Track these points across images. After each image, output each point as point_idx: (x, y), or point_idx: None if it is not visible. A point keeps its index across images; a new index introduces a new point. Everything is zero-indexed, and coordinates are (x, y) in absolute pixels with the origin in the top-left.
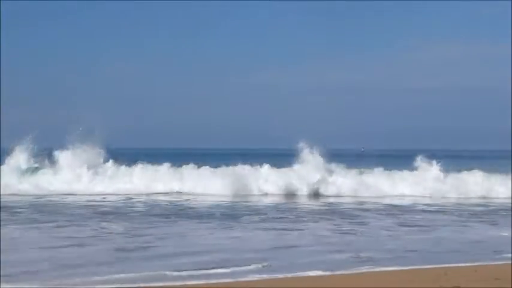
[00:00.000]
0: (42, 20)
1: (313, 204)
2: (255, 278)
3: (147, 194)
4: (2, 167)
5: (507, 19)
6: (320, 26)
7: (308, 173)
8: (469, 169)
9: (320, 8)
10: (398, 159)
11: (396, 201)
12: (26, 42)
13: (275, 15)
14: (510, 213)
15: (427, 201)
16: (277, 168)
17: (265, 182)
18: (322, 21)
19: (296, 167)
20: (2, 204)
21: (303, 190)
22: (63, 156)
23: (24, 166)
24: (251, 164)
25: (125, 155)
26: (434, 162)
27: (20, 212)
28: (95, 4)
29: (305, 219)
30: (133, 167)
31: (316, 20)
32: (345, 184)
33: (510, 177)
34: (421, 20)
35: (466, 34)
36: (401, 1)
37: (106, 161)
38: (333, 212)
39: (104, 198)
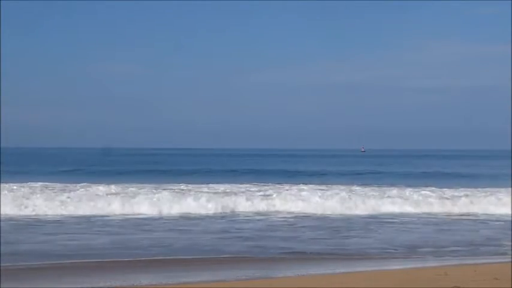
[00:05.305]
0: (41, 20)
1: None
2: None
3: None
4: None
5: (507, 19)
6: (320, 27)
7: None
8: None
9: (321, 8)
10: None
11: None
12: (25, 43)
13: (276, 15)
14: None
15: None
16: None
17: None
18: (322, 22)
19: None
20: None
21: None
22: None
23: None
24: None
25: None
26: None
27: None
28: (96, 4)
29: None
30: None
31: (317, 20)
32: None
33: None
34: (421, 20)
35: (466, 34)
36: (402, 2)
37: None
38: None
39: None
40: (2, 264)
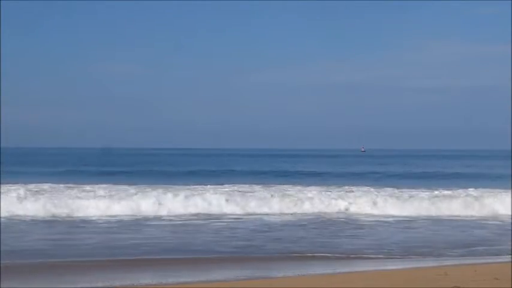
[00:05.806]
0: (41, 20)
1: None
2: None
3: None
4: None
5: (507, 19)
6: (320, 27)
7: None
8: None
9: (321, 8)
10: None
11: None
12: (25, 43)
13: (276, 15)
14: None
15: None
16: None
17: None
18: (322, 22)
19: None
20: None
21: None
22: None
23: None
24: None
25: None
26: None
27: None
28: (96, 4)
29: None
30: None
31: (317, 20)
32: None
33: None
34: (421, 20)
35: (466, 34)
36: (402, 2)
37: None
38: None
39: None
40: (2, 264)
